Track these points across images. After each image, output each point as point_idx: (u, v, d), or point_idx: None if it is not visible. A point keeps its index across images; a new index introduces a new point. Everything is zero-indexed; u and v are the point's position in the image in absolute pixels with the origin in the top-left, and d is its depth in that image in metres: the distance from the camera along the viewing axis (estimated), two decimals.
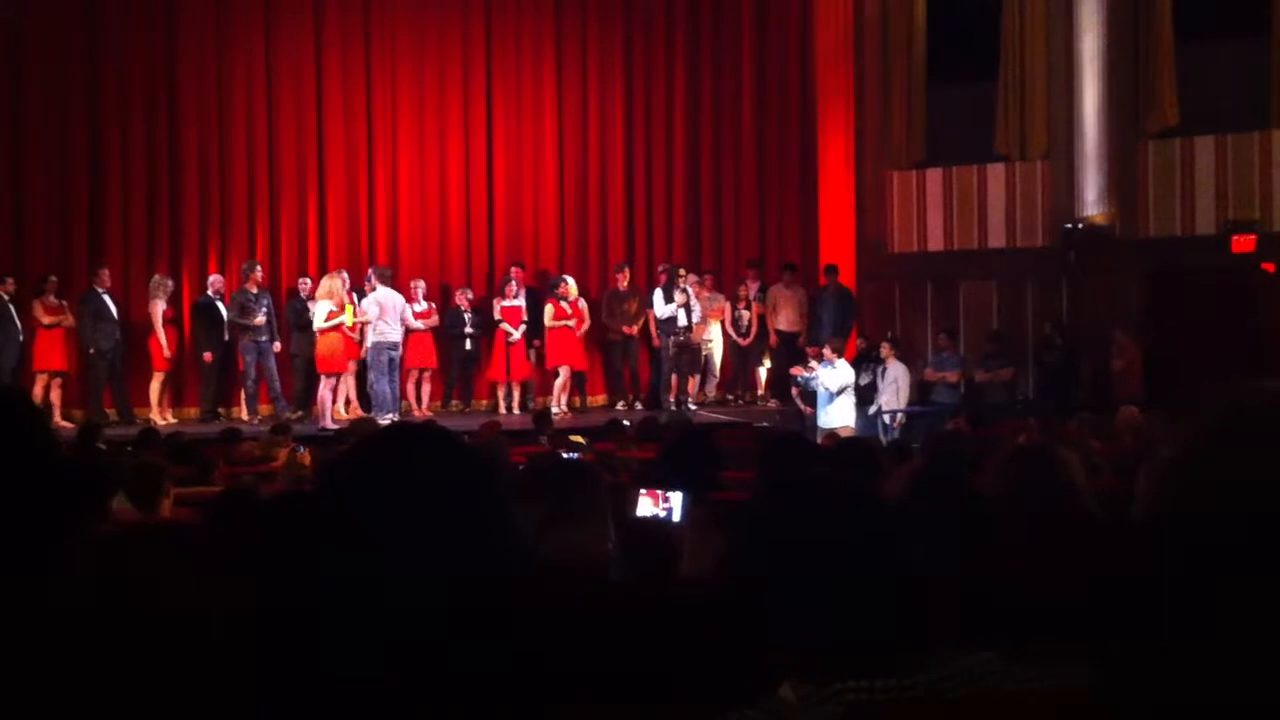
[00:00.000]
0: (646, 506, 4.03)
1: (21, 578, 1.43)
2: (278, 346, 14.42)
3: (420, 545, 1.42)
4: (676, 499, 3.95)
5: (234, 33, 15.23)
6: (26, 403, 1.57)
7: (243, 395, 14.41)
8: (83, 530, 1.54)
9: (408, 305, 14.43)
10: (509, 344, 14.97)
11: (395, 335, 14.17)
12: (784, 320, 15.79)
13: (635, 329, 15.62)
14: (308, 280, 14.65)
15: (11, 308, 13.51)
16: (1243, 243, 14.44)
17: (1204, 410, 1.32)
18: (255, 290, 14.20)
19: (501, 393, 15.21)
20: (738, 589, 1.68)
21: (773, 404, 15.76)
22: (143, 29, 14.89)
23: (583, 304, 15.26)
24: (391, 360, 14.17)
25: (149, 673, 1.44)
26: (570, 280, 15.24)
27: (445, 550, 1.43)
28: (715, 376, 16.00)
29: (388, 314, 14.14)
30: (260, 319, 14.09)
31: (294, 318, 14.56)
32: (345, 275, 14.19)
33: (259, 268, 14.45)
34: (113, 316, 13.98)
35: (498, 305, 15.13)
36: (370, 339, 14.06)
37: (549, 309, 15.01)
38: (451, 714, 1.39)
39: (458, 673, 1.40)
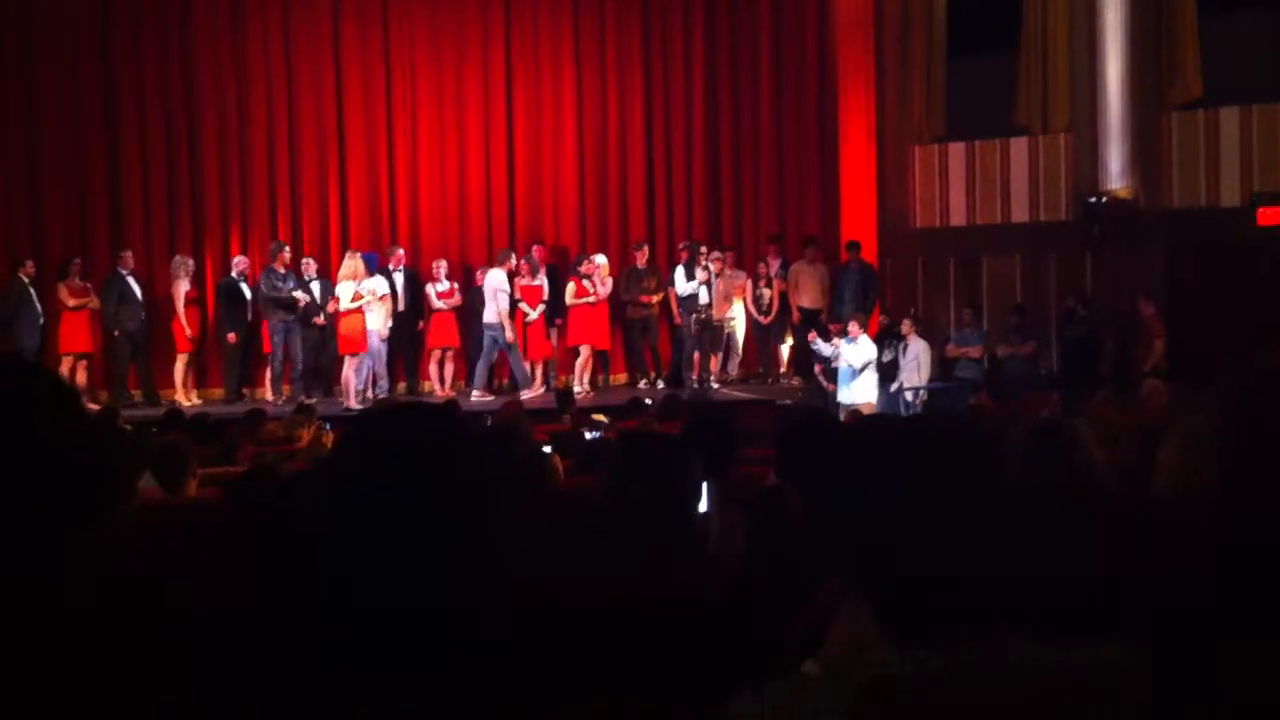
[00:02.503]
0: None
1: (33, 574, 1.43)
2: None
3: (415, 532, 1.41)
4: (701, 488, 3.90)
5: (252, 12, 15.25)
6: (51, 384, 1.56)
7: (267, 375, 14.48)
8: (102, 518, 1.53)
9: (502, 292, 14.49)
10: (527, 323, 14.97)
11: (489, 316, 14.37)
12: (806, 297, 15.73)
13: (655, 299, 15.55)
14: (311, 261, 14.67)
15: (31, 290, 13.58)
16: (1268, 215, 14.32)
17: (1253, 387, 1.30)
18: (283, 270, 14.27)
19: None
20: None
21: (795, 381, 15.72)
22: (159, 9, 14.92)
23: (609, 282, 15.22)
24: (493, 341, 14.42)
25: (161, 672, 1.44)
26: (601, 259, 15.21)
27: (439, 538, 1.42)
28: (738, 354, 15.96)
29: (484, 296, 14.41)
30: (289, 299, 14.18)
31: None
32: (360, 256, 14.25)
33: (286, 248, 14.50)
34: (137, 298, 14.06)
35: (517, 284, 15.13)
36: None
37: (570, 286, 14.99)
38: (444, 713, 1.38)
39: (447, 666, 1.39)
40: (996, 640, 1.51)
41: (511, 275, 14.73)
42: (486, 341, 14.50)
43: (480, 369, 14.54)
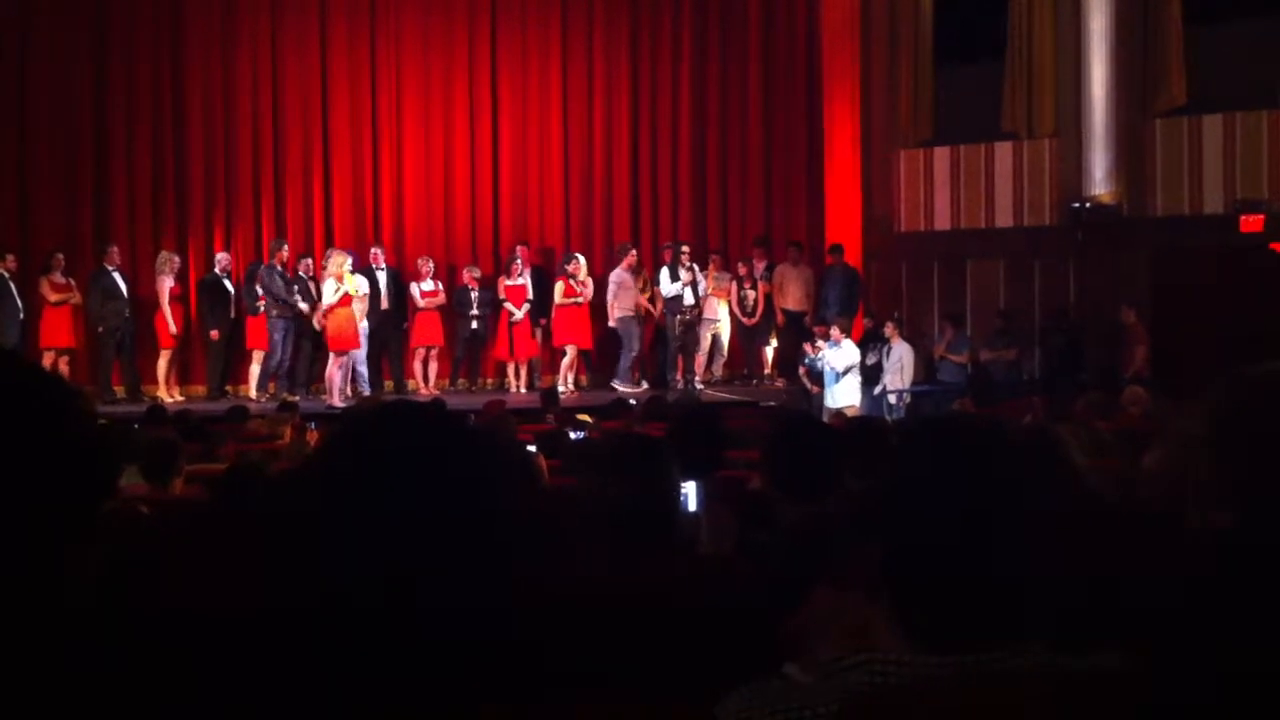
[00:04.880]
0: None
1: (35, 576, 1.42)
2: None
3: (411, 531, 1.40)
4: (690, 488, 3.90)
5: (240, 9, 15.20)
6: (46, 380, 1.55)
7: (251, 372, 14.41)
8: (95, 515, 1.52)
9: (620, 288, 15.12)
10: (512, 323, 14.95)
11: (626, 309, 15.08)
12: (791, 300, 15.75)
13: (645, 299, 15.58)
14: (309, 260, 14.64)
15: (11, 285, 13.49)
16: (1251, 222, 14.39)
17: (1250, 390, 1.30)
18: (281, 268, 14.23)
19: (510, 371, 15.22)
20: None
21: (779, 383, 15.73)
22: (149, 5, 14.86)
23: (589, 283, 15.23)
24: (629, 334, 15.16)
25: (160, 672, 1.43)
26: (580, 258, 15.23)
27: (436, 537, 1.41)
28: (723, 356, 15.96)
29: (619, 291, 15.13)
30: (294, 297, 14.15)
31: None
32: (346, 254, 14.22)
33: (286, 246, 14.47)
34: (122, 294, 13.98)
35: (502, 284, 15.11)
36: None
37: (559, 286, 14.98)
38: (445, 711, 1.38)
39: (448, 666, 1.38)
40: (1003, 647, 1.51)
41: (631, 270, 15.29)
42: (625, 336, 15.11)
43: (623, 364, 15.20)
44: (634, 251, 15.39)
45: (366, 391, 14.01)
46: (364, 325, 14.23)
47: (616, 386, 14.68)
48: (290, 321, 14.24)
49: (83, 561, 1.47)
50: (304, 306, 14.24)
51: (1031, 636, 1.51)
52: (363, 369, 14.21)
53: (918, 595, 1.54)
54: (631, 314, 15.13)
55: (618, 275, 15.17)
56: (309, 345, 14.54)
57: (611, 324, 15.23)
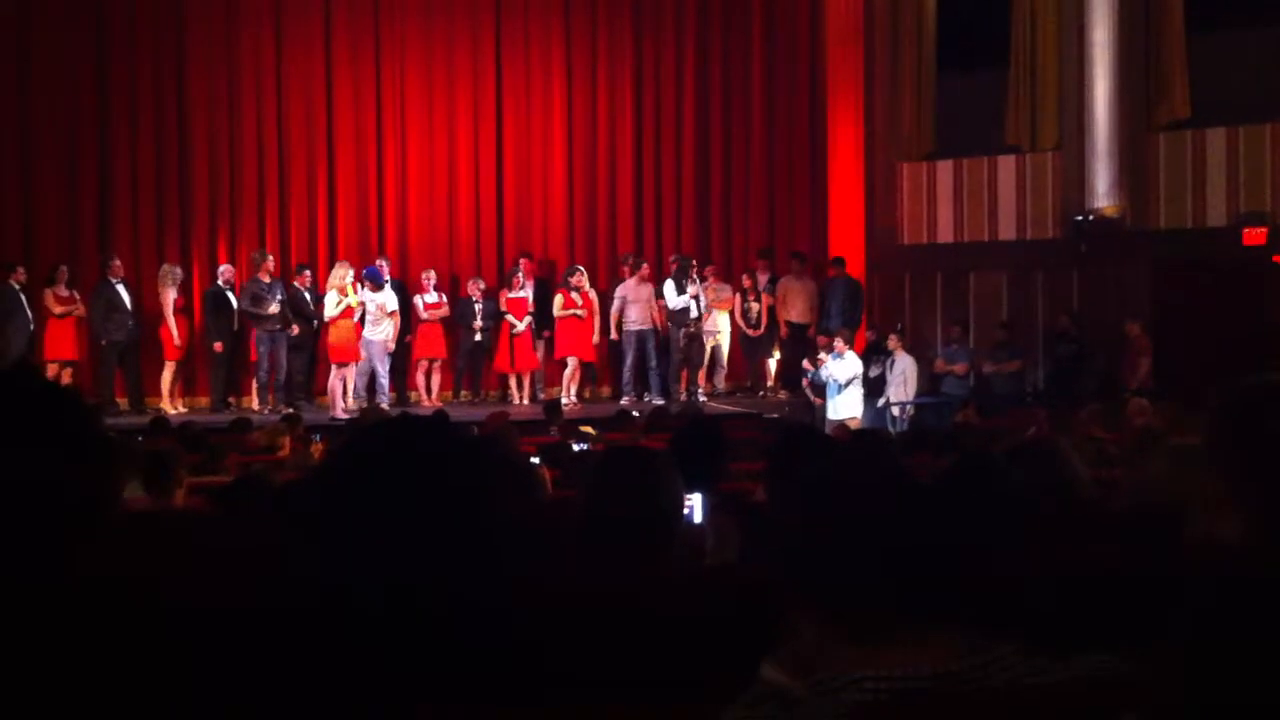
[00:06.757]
0: None
1: (41, 577, 1.42)
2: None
3: (413, 539, 1.41)
4: (696, 500, 3.90)
5: (244, 20, 15.24)
6: (59, 393, 1.56)
7: (254, 385, 14.43)
8: (100, 523, 1.53)
9: (627, 301, 15.19)
10: (513, 335, 14.94)
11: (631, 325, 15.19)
12: (794, 312, 15.73)
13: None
14: (308, 272, 14.65)
15: (22, 297, 13.53)
16: (1254, 235, 14.39)
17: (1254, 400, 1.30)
18: (267, 280, 14.20)
19: (513, 383, 15.21)
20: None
21: (782, 395, 15.72)
22: (152, 17, 14.91)
23: (593, 295, 15.23)
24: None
25: (162, 675, 1.44)
26: (583, 270, 15.22)
27: (437, 543, 1.41)
28: (723, 368, 15.94)
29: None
30: (274, 309, 14.09)
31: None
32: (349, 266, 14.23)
33: (270, 257, 14.45)
34: (126, 307, 14.00)
35: (504, 296, 15.10)
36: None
37: (558, 298, 14.97)
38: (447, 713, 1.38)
39: (449, 669, 1.39)
40: (993, 659, 1.51)
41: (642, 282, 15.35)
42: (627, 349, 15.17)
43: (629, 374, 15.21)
44: (646, 265, 15.37)
45: (384, 402, 13.99)
46: (391, 339, 14.27)
47: (655, 401, 14.65)
48: (277, 333, 14.19)
49: (88, 563, 1.47)
50: (271, 311, 14.09)
51: (1023, 644, 1.51)
52: (384, 381, 14.21)
53: (907, 603, 1.55)
54: (645, 327, 15.06)
55: (624, 288, 15.13)
56: (305, 355, 14.52)
57: (613, 336, 15.22)
